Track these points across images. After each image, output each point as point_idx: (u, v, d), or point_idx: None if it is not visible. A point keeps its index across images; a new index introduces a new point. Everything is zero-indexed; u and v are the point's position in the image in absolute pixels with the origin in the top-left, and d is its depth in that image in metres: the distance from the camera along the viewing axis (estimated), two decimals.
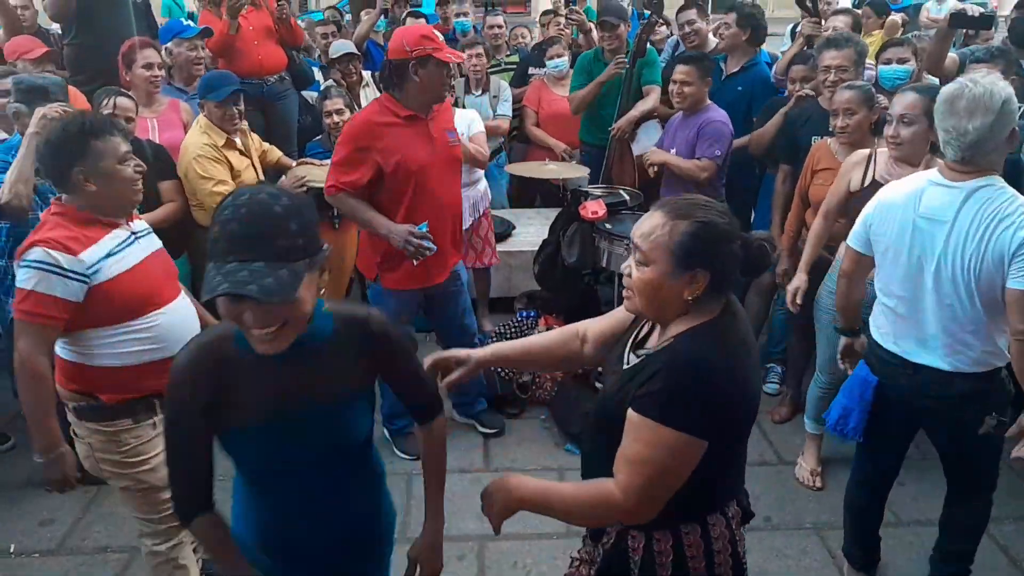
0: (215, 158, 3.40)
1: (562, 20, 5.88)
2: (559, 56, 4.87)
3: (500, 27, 5.69)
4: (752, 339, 1.58)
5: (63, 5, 4.16)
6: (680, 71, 3.77)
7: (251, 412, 1.48)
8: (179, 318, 2.23)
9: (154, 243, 2.30)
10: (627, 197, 3.97)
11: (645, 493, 1.46)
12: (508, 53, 5.65)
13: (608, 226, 3.65)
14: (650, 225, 1.51)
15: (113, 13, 4.30)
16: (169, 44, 4.15)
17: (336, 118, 4.19)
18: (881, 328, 2.41)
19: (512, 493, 1.59)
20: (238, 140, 3.57)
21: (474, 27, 6.17)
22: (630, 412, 1.47)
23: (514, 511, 1.60)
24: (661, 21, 5.18)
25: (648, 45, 4.48)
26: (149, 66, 3.72)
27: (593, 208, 3.56)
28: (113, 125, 2.19)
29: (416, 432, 1.82)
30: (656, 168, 3.92)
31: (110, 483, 2.31)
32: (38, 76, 3.11)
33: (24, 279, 2.00)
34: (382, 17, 5.89)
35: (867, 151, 2.97)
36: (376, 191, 3.01)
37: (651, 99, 4.41)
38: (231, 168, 3.48)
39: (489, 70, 4.97)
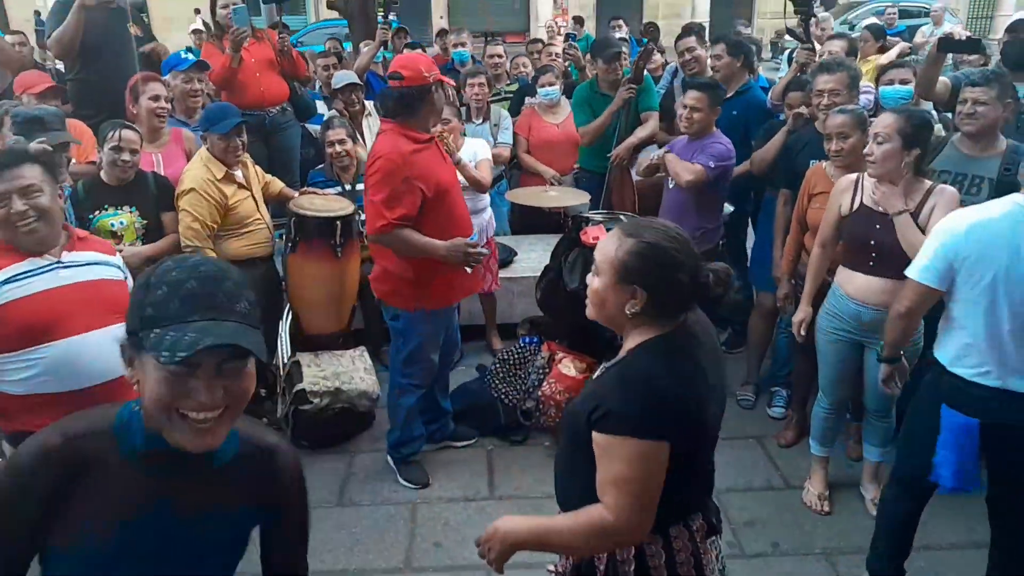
0: (207, 194, 3.43)
1: (554, 49, 5.95)
2: (551, 85, 4.91)
3: (500, 56, 5.75)
4: (707, 361, 1.63)
5: (68, 43, 4.22)
6: (691, 97, 3.77)
7: (101, 529, 1.21)
8: (83, 353, 2.16)
9: (85, 274, 2.26)
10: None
11: (636, 507, 1.53)
12: (508, 82, 5.71)
13: None
14: (606, 240, 1.65)
15: (116, 49, 4.37)
16: (167, 77, 4.20)
17: (338, 148, 4.24)
18: (980, 367, 2.30)
19: (507, 539, 1.64)
20: (238, 173, 3.60)
21: (472, 57, 6.24)
22: (595, 435, 1.54)
23: (512, 554, 1.64)
24: (657, 49, 5.24)
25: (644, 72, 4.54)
26: (156, 98, 3.78)
27: (594, 234, 3.56)
28: None
29: None
30: (649, 166, 3.94)
31: None
32: (35, 108, 3.15)
33: None
34: (382, 48, 5.97)
35: (855, 175, 3.00)
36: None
37: (650, 125, 4.45)
38: (226, 201, 3.51)
39: (490, 99, 5.02)
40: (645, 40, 4.75)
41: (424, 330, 3.25)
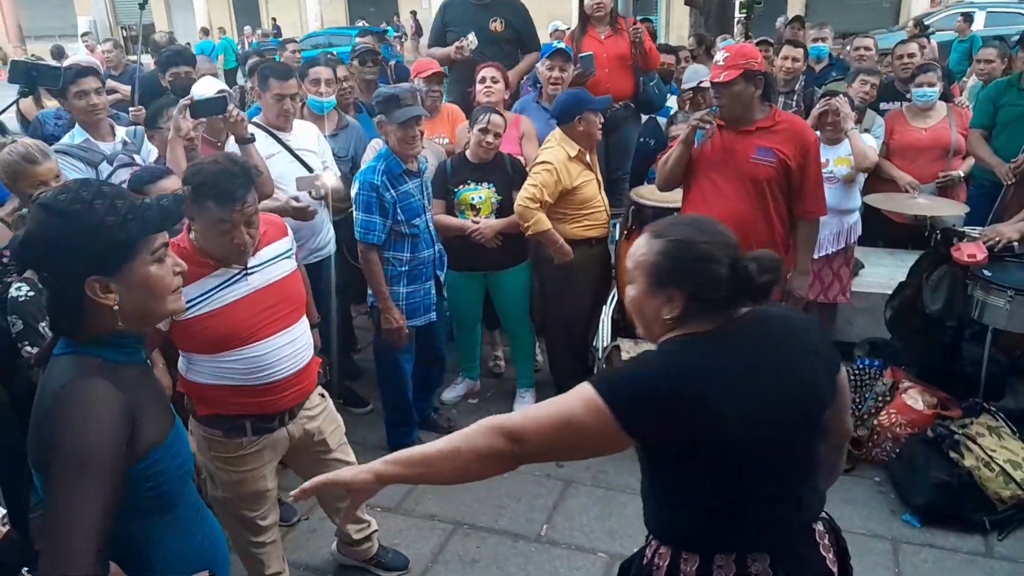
0: (556, 170, 3.57)
1: (917, 51, 5.18)
2: (930, 85, 4.35)
3: (868, 49, 5.23)
4: (764, 364, 1.45)
5: (438, 61, 4.74)
6: None
7: (162, 421, 1.48)
8: (271, 355, 2.28)
9: (269, 276, 2.31)
10: (1016, 242, 3.40)
11: (540, 427, 1.42)
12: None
13: (987, 273, 3.16)
14: (636, 244, 1.54)
15: (480, 44, 4.80)
16: (537, 64, 4.49)
17: None
18: None
19: (370, 475, 1.49)
20: (587, 156, 3.73)
21: (830, 54, 5.80)
22: None
23: (365, 488, 1.51)
24: None
25: None
26: (483, 79, 4.09)
27: (970, 251, 3.11)
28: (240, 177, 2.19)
29: None
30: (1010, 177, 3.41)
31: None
32: (391, 87, 3.47)
33: None
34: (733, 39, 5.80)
35: None
36: None
37: None
38: (572, 181, 3.62)
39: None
40: None
41: None
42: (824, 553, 1.55)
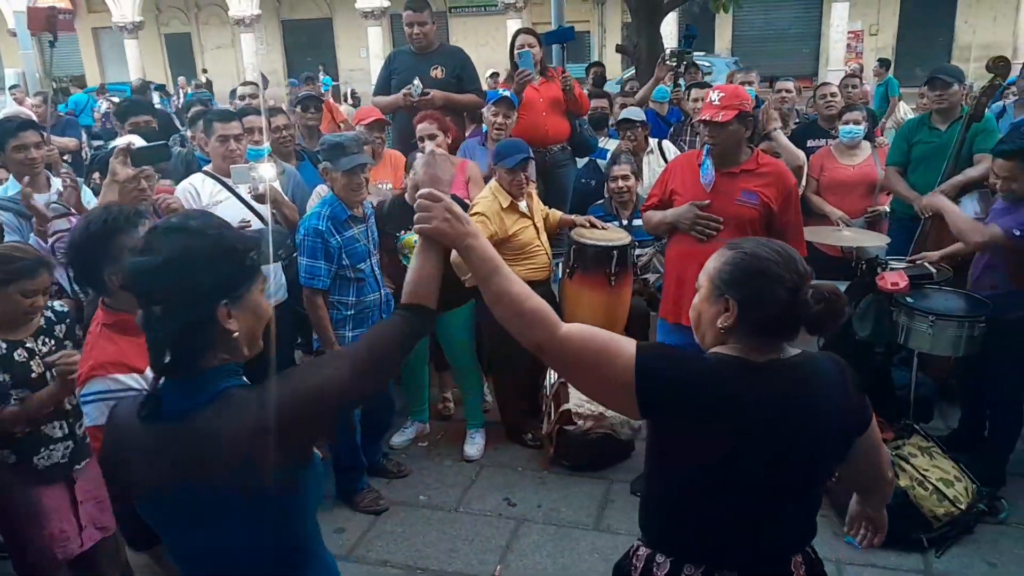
0: (487, 220, 3.65)
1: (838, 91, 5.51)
2: (856, 123, 4.61)
3: (790, 92, 5.53)
4: (782, 410, 1.49)
5: (384, 110, 4.81)
6: (1000, 167, 3.23)
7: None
8: None
9: None
10: (933, 271, 3.59)
11: (571, 343, 1.52)
12: (797, 120, 5.48)
13: (910, 300, 3.33)
14: (712, 257, 1.61)
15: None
16: (483, 109, 4.58)
17: (621, 183, 4.34)
18: None
19: (466, 226, 1.52)
20: (522, 204, 3.82)
21: (757, 97, 6.09)
22: None
23: (450, 242, 1.52)
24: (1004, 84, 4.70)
25: (987, 112, 4.12)
26: (421, 138, 4.12)
27: (893, 279, 3.28)
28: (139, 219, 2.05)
29: None
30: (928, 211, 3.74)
31: None
32: (338, 135, 3.50)
33: (90, 417, 1.85)
34: (663, 83, 6.00)
35: None
36: None
37: (982, 167, 4.00)
38: (506, 230, 3.72)
39: None
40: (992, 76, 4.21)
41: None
42: None
